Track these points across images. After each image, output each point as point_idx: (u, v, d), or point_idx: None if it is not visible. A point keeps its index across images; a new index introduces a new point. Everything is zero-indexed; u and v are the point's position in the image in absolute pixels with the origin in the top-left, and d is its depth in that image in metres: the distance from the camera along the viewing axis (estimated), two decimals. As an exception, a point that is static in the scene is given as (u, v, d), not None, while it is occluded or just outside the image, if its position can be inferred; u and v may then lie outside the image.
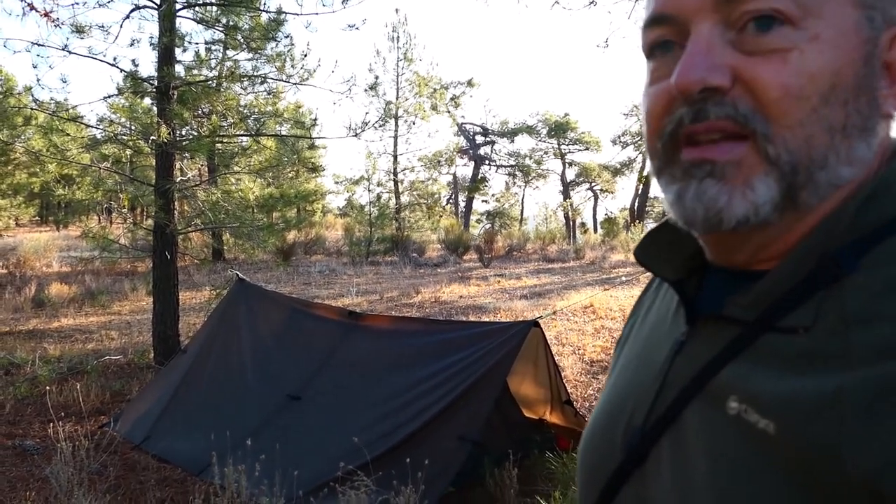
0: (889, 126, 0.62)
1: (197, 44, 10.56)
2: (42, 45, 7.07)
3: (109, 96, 8.31)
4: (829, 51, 0.57)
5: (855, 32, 0.58)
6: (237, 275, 6.51)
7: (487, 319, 11.36)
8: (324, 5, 8.16)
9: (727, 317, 0.64)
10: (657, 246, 0.77)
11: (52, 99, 8.29)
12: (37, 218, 36.58)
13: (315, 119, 8.94)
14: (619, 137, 38.13)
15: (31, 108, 7.86)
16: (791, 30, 0.57)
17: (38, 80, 7.53)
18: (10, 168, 22.98)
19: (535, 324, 4.67)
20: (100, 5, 7.09)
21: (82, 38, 7.80)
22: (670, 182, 0.63)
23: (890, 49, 0.60)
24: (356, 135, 8.21)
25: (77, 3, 7.48)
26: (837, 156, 0.58)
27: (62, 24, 7.22)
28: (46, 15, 6.88)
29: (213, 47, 11.17)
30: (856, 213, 0.59)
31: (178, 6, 8.03)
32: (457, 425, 4.32)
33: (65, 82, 7.50)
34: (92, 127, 8.42)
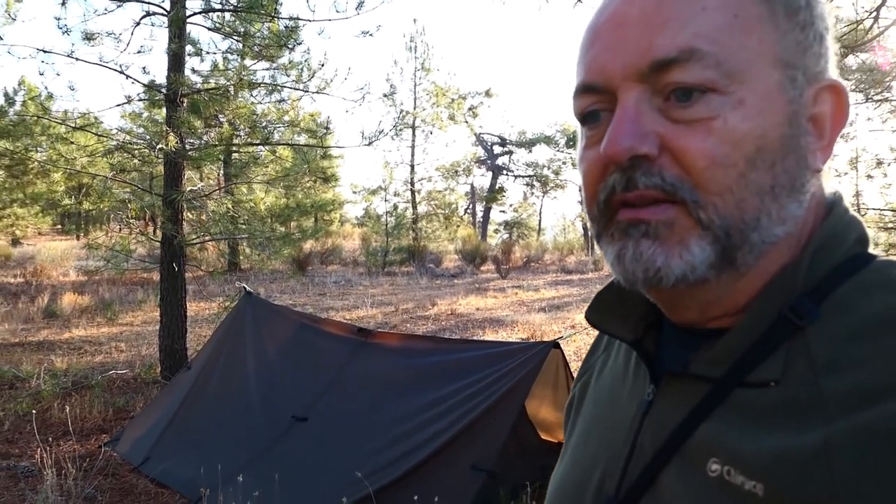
0: (819, 179, 0.63)
1: (215, 53, 10.44)
2: (48, 52, 6.90)
3: (119, 104, 8.13)
4: (754, 116, 0.58)
5: (778, 94, 0.59)
6: (244, 288, 6.28)
7: (505, 333, 11.07)
8: (337, 11, 7.97)
9: (694, 374, 0.62)
10: (609, 306, 0.76)
11: (58, 108, 8.14)
12: (59, 226, 36.80)
13: (328, 128, 8.71)
14: (638, 147, 37.72)
15: (39, 118, 7.71)
16: (715, 96, 0.58)
17: (45, 87, 7.39)
18: (29, 177, 23.09)
19: (555, 345, 4.37)
20: (107, 11, 6.91)
21: (92, 46, 7.66)
22: (610, 242, 0.64)
23: (814, 104, 0.62)
24: (369, 143, 7.98)
25: (87, 12, 7.36)
26: (770, 216, 0.59)
27: (70, 30, 7.07)
28: None
29: (231, 56, 11.05)
30: (809, 266, 0.60)
31: (189, 13, 7.86)
32: (470, 453, 4.03)
33: (72, 90, 7.34)
34: (101, 136, 8.23)
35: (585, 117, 0.66)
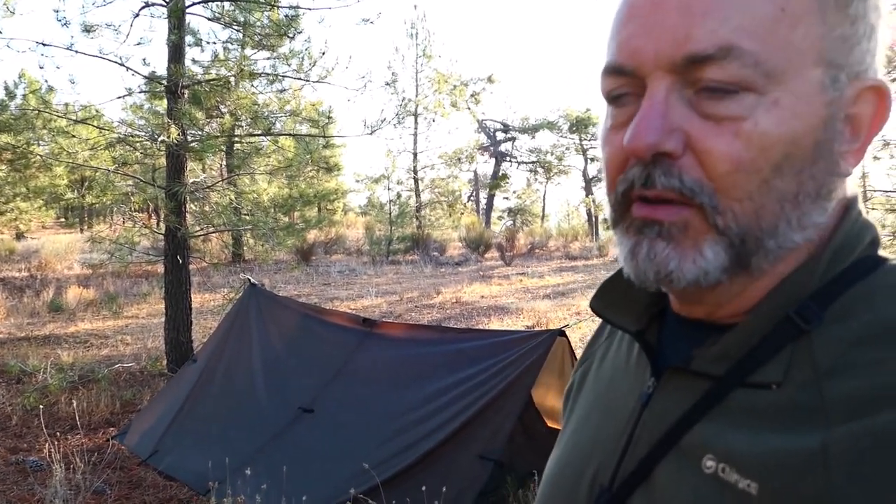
0: (846, 183, 0.61)
1: (215, 43, 10.38)
2: (48, 45, 6.86)
3: (120, 97, 8.09)
4: (788, 119, 0.56)
5: (817, 95, 0.57)
6: (248, 280, 6.27)
7: (510, 320, 11.05)
8: (337, -1, 7.90)
9: (695, 371, 0.62)
10: (613, 296, 0.75)
11: (58, 102, 8.09)
12: (62, 220, 36.79)
13: (329, 117, 8.66)
14: (641, 132, 37.35)
15: (40, 111, 7.67)
16: (750, 95, 0.55)
17: (45, 81, 7.35)
18: (32, 171, 23.10)
19: (560, 333, 4.35)
20: (106, 3, 6.86)
21: (92, 38, 7.60)
22: (624, 235, 0.63)
23: (854, 104, 0.59)
24: (372, 132, 7.93)
25: (86, 4, 7.29)
26: (789, 223, 0.58)
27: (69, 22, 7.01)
28: None
29: (231, 46, 10.95)
30: (822, 273, 0.59)
31: (188, 2, 7.80)
32: (477, 443, 4.03)
33: (73, 83, 7.32)
34: (103, 129, 8.20)
35: (611, 98, 0.63)
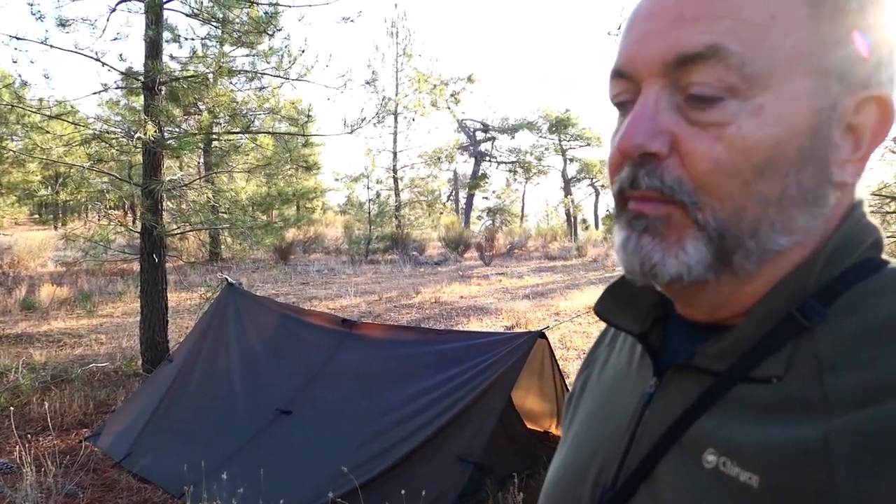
0: (844, 192, 0.61)
1: (193, 39, 10.26)
2: (22, 39, 6.73)
3: (96, 93, 7.95)
4: (771, 124, 0.57)
5: (805, 103, 0.58)
6: (226, 279, 6.20)
7: (489, 320, 11.05)
8: (317, -4, 7.83)
9: (698, 367, 0.63)
10: (618, 300, 0.76)
11: (33, 97, 7.93)
12: (36, 216, 36.20)
13: (309, 115, 8.61)
14: (620, 133, 37.52)
15: (14, 106, 7.53)
16: (734, 101, 0.57)
17: (19, 75, 7.21)
18: (4, 167, 22.66)
19: (541, 335, 4.34)
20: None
21: (67, 33, 7.47)
22: (620, 229, 0.65)
23: (856, 114, 0.60)
24: (352, 131, 7.88)
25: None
26: (772, 226, 0.59)
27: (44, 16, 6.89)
28: None
29: (210, 43, 10.83)
30: (822, 270, 0.60)
31: (165, -2, 7.69)
32: (457, 445, 4.00)
33: (47, 77, 7.18)
34: (78, 125, 8.06)
35: (618, 104, 0.67)
